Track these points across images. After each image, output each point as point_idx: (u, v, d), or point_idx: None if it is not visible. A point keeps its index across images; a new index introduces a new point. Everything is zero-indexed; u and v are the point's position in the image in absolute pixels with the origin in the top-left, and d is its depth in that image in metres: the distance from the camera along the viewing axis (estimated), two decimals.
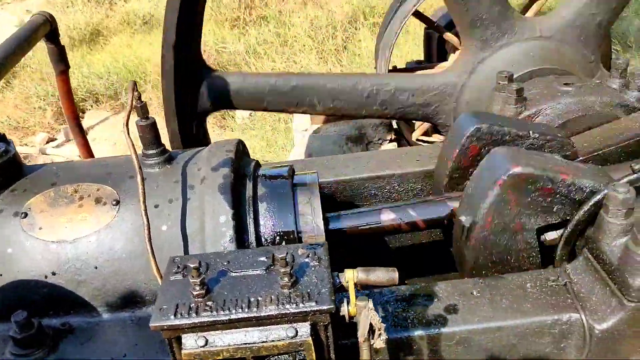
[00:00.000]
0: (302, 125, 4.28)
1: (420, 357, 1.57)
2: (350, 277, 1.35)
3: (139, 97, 1.73)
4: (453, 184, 2.06)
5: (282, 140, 6.01)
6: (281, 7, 10.86)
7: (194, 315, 1.29)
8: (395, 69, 4.22)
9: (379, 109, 2.86)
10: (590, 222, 1.68)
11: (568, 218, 1.73)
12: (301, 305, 1.30)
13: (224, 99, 2.86)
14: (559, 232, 1.75)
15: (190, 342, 1.30)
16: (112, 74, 8.24)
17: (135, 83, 1.71)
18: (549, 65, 2.66)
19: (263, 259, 1.44)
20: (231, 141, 1.94)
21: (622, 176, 1.67)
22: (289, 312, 1.29)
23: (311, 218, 1.80)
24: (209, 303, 1.32)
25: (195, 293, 1.33)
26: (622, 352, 1.51)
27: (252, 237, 1.74)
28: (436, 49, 4.01)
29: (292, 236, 1.78)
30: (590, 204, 1.65)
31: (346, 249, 2.29)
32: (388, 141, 4.26)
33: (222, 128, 6.90)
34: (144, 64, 8.95)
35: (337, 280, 1.43)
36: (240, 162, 1.90)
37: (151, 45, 9.85)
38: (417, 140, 3.88)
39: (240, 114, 7.01)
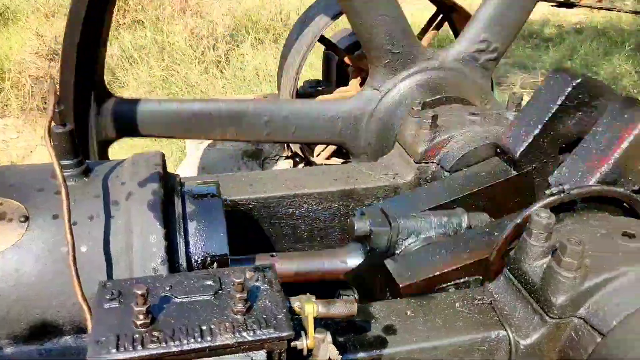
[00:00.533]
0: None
1: None
2: (310, 311, 1.30)
3: (58, 102, 1.53)
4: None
5: (177, 153, 5.73)
6: (158, 13, 10.45)
7: (139, 347, 1.16)
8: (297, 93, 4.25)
9: (297, 134, 2.89)
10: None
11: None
12: (258, 332, 1.22)
13: (127, 127, 2.69)
14: None
15: None
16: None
17: (55, 85, 1.51)
18: (450, 94, 2.85)
19: (210, 282, 1.34)
20: (155, 154, 1.80)
21: (541, 202, 1.81)
22: (246, 340, 1.21)
23: None
24: (156, 333, 1.19)
25: (139, 322, 1.19)
26: None
27: (182, 259, 1.62)
28: (336, 71, 4.11)
29: (224, 258, 1.68)
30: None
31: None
32: (284, 157, 4.26)
33: None
34: (1, 60, 8.07)
35: (288, 305, 1.37)
36: (166, 177, 1.77)
37: (8, 40, 8.91)
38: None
39: None
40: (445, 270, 1.85)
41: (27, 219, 1.49)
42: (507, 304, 1.70)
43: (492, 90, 3.03)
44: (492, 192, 2.17)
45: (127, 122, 2.70)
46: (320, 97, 3.65)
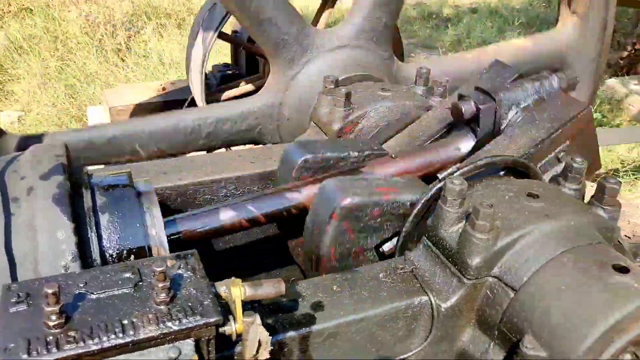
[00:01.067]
0: None
1: (290, 358, 1.56)
2: (237, 294, 1.27)
3: None
4: None
5: None
6: (48, 0, 9.76)
7: (54, 350, 1.08)
8: (206, 77, 4.11)
9: (206, 142, 2.83)
10: (415, 231, 1.88)
11: (398, 230, 1.92)
12: (185, 320, 1.18)
13: None
14: (394, 241, 1.95)
15: None
16: None
17: None
18: (353, 72, 2.88)
19: (128, 275, 1.27)
20: (57, 145, 1.67)
21: (452, 171, 1.89)
22: (172, 329, 1.16)
23: (152, 230, 1.65)
24: (72, 333, 1.11)
25: (52, 324, 1.11)
26: (460, 324, 1.71)
27: (95, 254, 1.52)
28: (245, 57, 4.03)
29: (142, 250, 1.61)
30: (412, 216, 1.85)
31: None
32: None
33: None
34: None
35: (214, 291, 1.33)
36: (72, 169, 1.65)
37: None
38: None
39: (5, 118, 6.09)
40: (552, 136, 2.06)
41: None
42: (427, 270, 1.76)
43: (394, 64, 3.09)
44: None
45: None
46: (227, 93, 3.59)
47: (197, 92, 3.24)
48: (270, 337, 1.30)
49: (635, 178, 7.05)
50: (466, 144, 2.21)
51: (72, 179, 1.58)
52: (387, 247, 1.96)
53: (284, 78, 2.83)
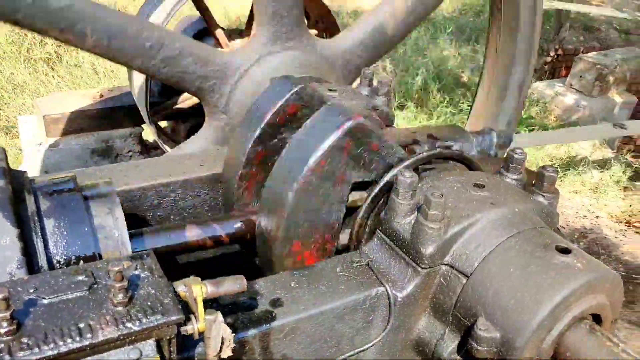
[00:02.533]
0: (35, 139, 3.72)
1: (252, 356, 1.54)
2: (198, 292, 1.24)
3: None
4: (264, 140, 2.06)
5: (11, 156, 5.11)
6: None
7: (6, 357, 1.02)
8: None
9: (158, 64, 2.57)
10: (377, 210, 1.90)
11: (376, 180, 1.92)
12: (145, 320, 1.15)
13: None
14: (360, 194, 1.94)
15: None
16: None
17: None
18: (316, 77, 2.90)
19: (81, 278, 1.22)
20: None
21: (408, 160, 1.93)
22: (132, 330, 1.13)
23: (114, 231, 1.60)
24: (25, 340, 1.06)
25: (2, 331, 1.05)
26: (416, 313, 1.75)
27: (42, 260, 1.45)
28: None
29: (91, 254, 1.55)
30: (398, 169, 1.87)
31: None
32: (138, 153, 4.03)
33: None
34: None
35: (173, 290, 1.30)
36: (13, 172, 1.57)
37: None
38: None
39: None
40: None
41: None
42: (382, 262, 1.79)
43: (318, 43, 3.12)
44: None
45: None
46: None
47: (141, 98, 3.14)
48: (233, 335, 1.28)
49: (564, 174, 7.46)
50: None
51: (13, 184, 1.50)
52: (352, 196, 1.93)
53: (261, 48, 2.74)
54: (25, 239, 1.42)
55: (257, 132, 2.06)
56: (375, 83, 2.66)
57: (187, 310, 1.27)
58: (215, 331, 1.25)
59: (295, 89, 2.05)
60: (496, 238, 1.67)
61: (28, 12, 2.21)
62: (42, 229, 1.49)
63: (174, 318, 1.16)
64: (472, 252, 1.67)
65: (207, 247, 1.99)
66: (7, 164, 1.60)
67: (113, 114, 3.83)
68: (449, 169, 2.07)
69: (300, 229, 1.87)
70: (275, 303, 1.61)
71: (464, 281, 1.66)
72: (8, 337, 1.05)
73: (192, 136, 2.89)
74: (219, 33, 3.14)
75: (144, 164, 2.31)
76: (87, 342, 1.08)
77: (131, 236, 1.81)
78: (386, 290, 1.71)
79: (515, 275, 1.58)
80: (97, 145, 3.81)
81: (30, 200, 1.52)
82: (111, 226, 1.60)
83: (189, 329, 1.24)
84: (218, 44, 3.21)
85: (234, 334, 1.28)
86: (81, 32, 2.35)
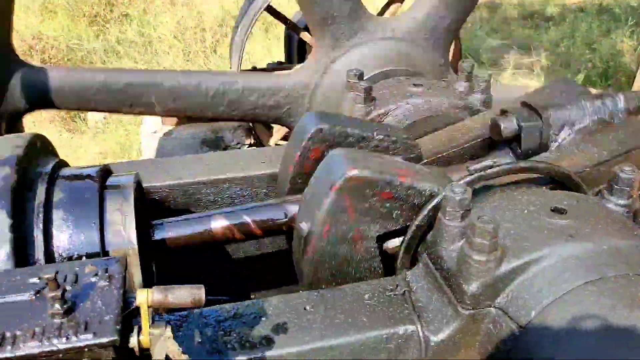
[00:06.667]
0: (152, 127, 3.91)
1: None
2: (142, 299, 1.08)
3: None
4: (296, 192, 1.87)
5: (137, 145, 5.55)
6: (146, 6, 10.28)
7: None
8: (255, 69, 4.02)
9: (226, 110, 2.63)
10: (430, 227, 1.57)
11: (408, 224, 1.61)
12: (73, 339, 1.01)
13: (41, 97, 2.45)
14: (401, 239, 1.63)
15: None
16: None
17: None
18: (401, 67, 2.61)
19: (33, 280, 1.13)
20: (23, 135, 1.59)
21: (460, 177, 1.58)
22: (56, 349, 1.00)
23: (121, 228, 1.51)
24: None
25: None
26: None
27: (40, 254, 1.41)
28: (297, 50, 3.88)
29: (95, 250, 1.47)
30: (429, 208, 1.54)
31: (180, 262, 2.01)
32: (247, 145, 4.04)
33: (70, 132, 6.25)
34: None
35: (134, 303, 1.16)
36: (34, 161, 1.56)
37: None
38: (277, 145, 3.70)
39: (93, 117, 6.40)
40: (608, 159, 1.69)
41: None
42: (423, 294, 1.47)
43: (449, 75, 2.77)
44: None
45: (41, 93, 2.42)
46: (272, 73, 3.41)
47: (235, 62, 3.13)
48: (185, 356, 1.09)
49: None
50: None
51: (26, 172, 1.48)
52: (392, 244, 1.65)
53: (324, 59, 2.61)
54: (22, 230, 1.38)
55: (287, 187, 1.87)
56: (473, 78, 2.29)
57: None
58: (160, 348, 1.07)
59: (311, 134, 1.77)
60: (567, 282, 1.26)
61: (98, 99, 2.47)
62: (47, 221, 1.45)
63: (105, 340, 1.01)
64: (531, 297, 1.29)
65: (237, 240, 1.82)
66: (28, 151, 1.57)
67: None
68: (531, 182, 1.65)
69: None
70: (279, 328, 1.39)
71: (517, 333, 1.28)
72: None
73: None
74: (304, 35, 2.99)
75: (205, 159, 2.22)
76: (4, 356, 0.98)
77: (153, 227, 1.72)
78: (417, 330, 1.39)
79: (584, 339, 1.17)
80: (207, 135, 3.89)
81: (40, 190, 1.48)
82: (119, 223, 1.51)
83: (131, 341, 1.08)
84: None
85: (185, 355, 1.09)
86: (148, 103, 2.52)
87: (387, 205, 1.58)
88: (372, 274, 1.66)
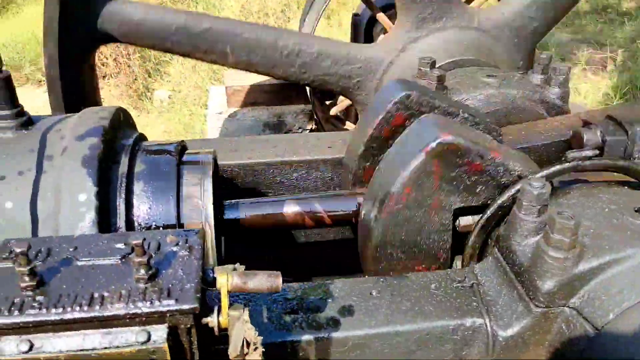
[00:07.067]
0: (217, 108, 3.99)
1: None
2: (223, 282, 1.11)
3: None
4: (368, 155, 1.84)
5: (200, 126, 5.68)
6: None
7: (16, 312, 1.02)
8: None
9: (297, 71, 2.59)
10: (506, 215, 1.54)
11: (488, 203, 1.58)
12: (157, 303, 1.05)
13: (120, 30, 2.45)
14: (475, 218, 1.60)
15: (10, 347, 1.02)
16: (19, 43, 7.54)
17: None
18: (480, 59, 2.55)
19: (120, 245, 1.18)
20: (108, 108, 1.66)
21: (548, 168, 1.53)
22: (140, 311, 1.04)
23: (199, 202, 1.56)
24: (39, 298, 1.05)
25: (23, 285, 1.06)
26: None
27: (121, 222, 1.47)
28: (363, 36, 3.84)
29: (171, 222, 1.53)
30: (516, 188, 1.50)
31: (246, 242, 2.06)
32: (309, 130, 4.07)
33: (137, 109, 6.46)
34: None
35: (210, 276, 1.19)
36: (117, 133, 1.63)
37: None
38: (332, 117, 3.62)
39: (158, 96, 6.60)
40: None
41: None
42: (491, 288, 1.45)
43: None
44: None
45: (122, 26, 2.42)
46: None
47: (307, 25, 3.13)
48: (260, 338, 1.12)
49: None
50: None
51: (112, 143, 1.55)
52: (465, 220, 1.62)
53: (404, 36, 2.56)
54: (105, 198, 1.45)
55: (361, 149, 1.83)
56: (550, 70, 2.21)
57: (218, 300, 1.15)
58: (237, 330, 1.11)
59: (398, 98, 1.73)
60: None
61: (175, 40, 2.47)
62: (128, 191, 1.51)
63: (186, 307, 1.05)
64: (609, 299, 1.24)
65: (307, 227, 1.84)
66: (113, 123, 1.63)
67: (288, 90, 3.90)
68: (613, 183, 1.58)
69: (396, 261, 1.62)
70: (345, 310, 1.41)
71: (592, 335, 1.24)
72: (27, 292, 1.05)
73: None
74: (381, 16, 2.95)
75: (272, 140, 2.25)
76: (93, 314, 1.03)
77: (226, 207, 1.76)
78: (485, 323, 1.37)
79: None
80: (270, 119, 3.94)
81: (124, 161, 1.55)
82: (197, 197, 1.55)
83: (210, 321, 1.11)
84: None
85: (260, 337, 1.12)
86: (222, 51, 2.51)
87: (474, 178, 1.55)
88: (439, 248, 1.64)
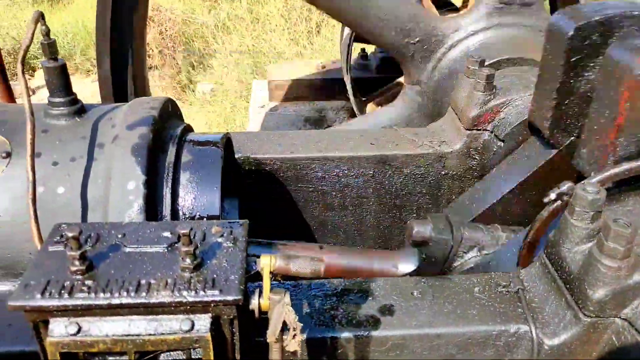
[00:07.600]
0: (259, 102, 4.02)
1: None
2: (265, 263, 1.11)
3: (47, 33, 1.45)
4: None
5: (241, 119, 5.74)
6: None
7: (66, 295, 1.04)
8: (363, 51, 3.99)
9: (378, 24, 2.51)
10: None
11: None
12: (201, 293, 1.06)
13: None
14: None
15: (59, 329, 1.05)
16: (70, 33, 7.77)
17: (41, 14, 1.42)
18: (504, 54, 2.47)
19: (167, 234, 1.20)
20: (158, 98, 1.68)
21: (602, 172, 1.47)
22: (185, 300, 1.05)
23: None
24: (88, 282, 1.07)
25: (73, 269, 1.08)
26: None
27: (167, 211, 1.50)
28: None
29: (215, 213, 1.54)
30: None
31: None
32: None
33: (180, 101, 6.57)
34: None
35: (254, 267, 1.20)
36: (166, 123, 1.65)
37: None
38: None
39: (201, 88, 6.69)
40: None
41: (9, 155, 1.44)
42: (538, 294, 1.41)
43: None
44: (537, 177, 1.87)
45: None
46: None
47: (343, 69, 3.12)
48: (300, 324, 1.11)
49: None
50: (407, 266, 1.81)
51: (160, 133, 1.57)
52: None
53: (482, 20, 2.51)
54: (154, 187, 1.47)
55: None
56: None
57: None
58: (278, 313, 1.10)
59: (574, 29, 1.58)
60: None
61: None
62: (175, 181, 1.53)
63: (230, 298, 1.05)
64: None
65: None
66: (162, 114, 1.65)
67: (329, 85, 3.90)
68: None
69: None
70: (385, 310, 1.39)
71: None
72: (77, 276, 1.08)
73: (386, 106, 2.76)
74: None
75: (316, 135, 2.25)
76: (139, 301, 1.05)
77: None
78: (531, 331, 1.33)
79: None
80: (311, 114, 3.94)
81: (171, 150, 1.57)
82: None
83: (252, 303, 1.12)
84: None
85: (300, 323, 1.11)
86: None
87: None
88: None
